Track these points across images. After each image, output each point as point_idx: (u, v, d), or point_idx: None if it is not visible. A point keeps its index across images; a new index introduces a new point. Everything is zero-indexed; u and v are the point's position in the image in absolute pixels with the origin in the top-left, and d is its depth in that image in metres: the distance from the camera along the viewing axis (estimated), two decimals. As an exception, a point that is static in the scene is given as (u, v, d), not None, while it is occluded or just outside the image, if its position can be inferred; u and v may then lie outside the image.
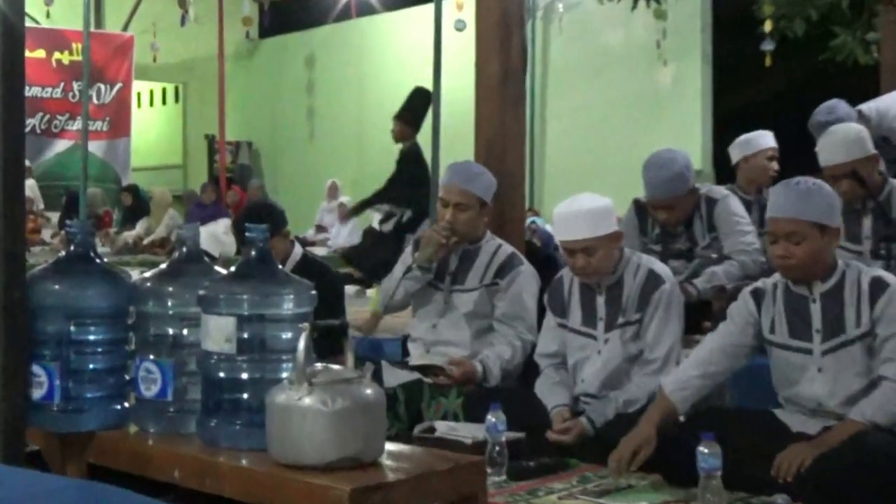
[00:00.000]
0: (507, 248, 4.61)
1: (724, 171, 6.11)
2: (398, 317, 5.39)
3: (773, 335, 3.56)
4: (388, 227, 8.55)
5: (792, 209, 3.41)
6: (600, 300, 4.04)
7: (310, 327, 2.51)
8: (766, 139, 6.03)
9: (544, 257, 6.30)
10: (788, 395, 3.57)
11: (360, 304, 8.33)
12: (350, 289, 9.49)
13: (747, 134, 6.08)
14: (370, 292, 8.52)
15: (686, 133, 13.82)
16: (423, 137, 10.49)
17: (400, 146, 8.74)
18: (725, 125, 9.73)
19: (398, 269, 4.71)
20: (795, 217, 3.38)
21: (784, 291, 3.55)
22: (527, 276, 4.54)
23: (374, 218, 14.65)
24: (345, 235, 14.02)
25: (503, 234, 5.11)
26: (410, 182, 8.45)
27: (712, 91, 14.27)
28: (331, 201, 15.86)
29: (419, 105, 8.83)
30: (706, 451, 3.06)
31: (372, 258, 7.86)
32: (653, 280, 3.95)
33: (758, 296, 3.60)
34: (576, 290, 4.12)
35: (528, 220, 10.66)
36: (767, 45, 13.18)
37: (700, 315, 4.93)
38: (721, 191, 5.21)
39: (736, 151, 6.06)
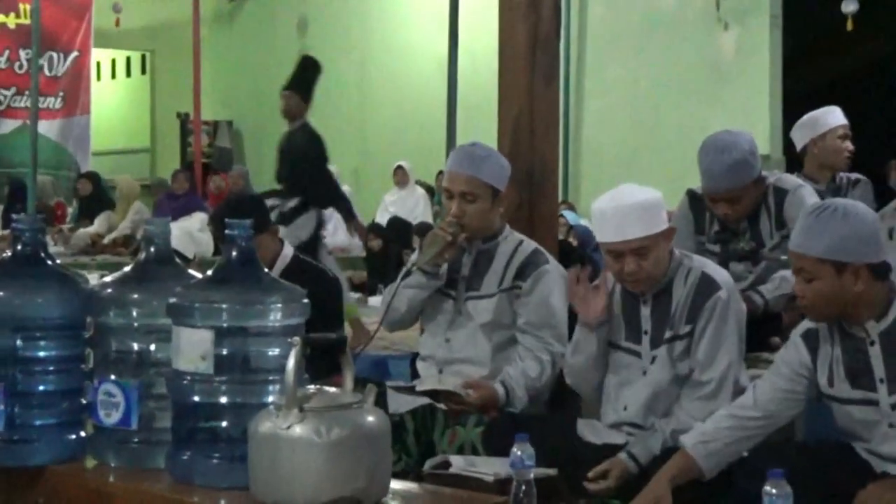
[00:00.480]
0: (530, 245, 4.65)
1: (796, 155, 6.10)
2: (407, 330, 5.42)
3: (832, 389, 3.59)
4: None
5: (800, 242, 3.48)
6: (645, 311, 4.05)
7: (302, 342, 2.53)
8: (834, 116, 6.05)
9: (581, 259, 6.29)
10: (862, 449, 3.60)
11: (362, 316, 8.33)
12: (350, 296, 9.49)
13: (810, 113, 6.09)
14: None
15: (751, 111, 13.79)
16: (437, 115, 10.48)
17: (288, 125, 8.91)
18: (798, 102, 9.69)
19: (400, 276, 4.74)
20: (803, 252, 3.46)
21: (840, 332, 3.57)
22: (553, 276, 4.57)
23: (378, 211, 14.78)
24: (344, 233, 14.20)
25: (533, 232, 5.11)
26: (302, 165, 8.53)
27: (782, 61, 14.24)
28: (327, 193, 15.92)
29: (310, 76, 8.99)
30: (774, 491, 3.03)
31: None
32: (706, 286, 3.95)
33: (811, 340, 3.62)
34: (616, 298, 4.14)
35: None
36: (850, 6, 13.17)
37: (767, 329, 4.93)
38: (793, 180, 5.20)
39: (801, 134, 6.06)
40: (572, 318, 4.35)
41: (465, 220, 4.55)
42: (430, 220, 14.12)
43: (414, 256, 4.80)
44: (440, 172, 14.97)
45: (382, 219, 14.44)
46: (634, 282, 3.96)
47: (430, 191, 15.54)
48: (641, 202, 3.88)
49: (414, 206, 15.02)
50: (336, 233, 14.25)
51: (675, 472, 3.61)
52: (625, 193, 3.94)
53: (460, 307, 4.64)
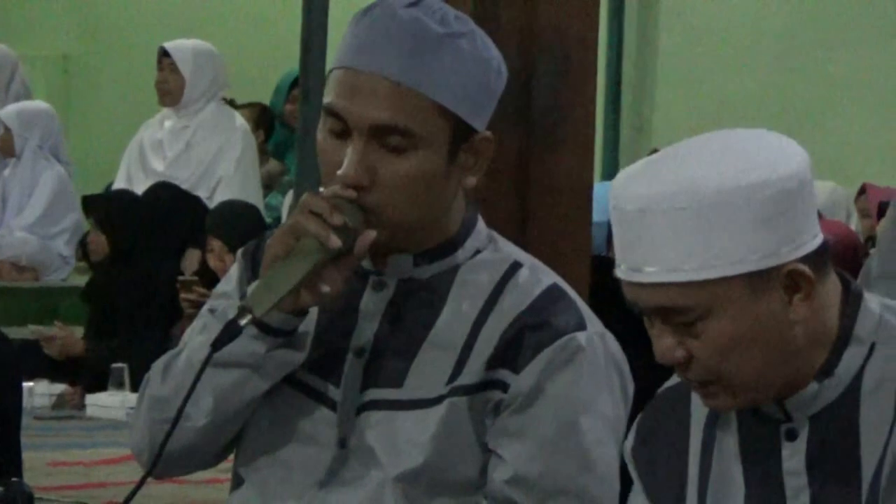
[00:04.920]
0: (539, 275, 2.79)
1: None
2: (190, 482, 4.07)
3: None
4: None
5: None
6: (792, 460, 2.43)
7: None
8: None
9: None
10: None
11: (59, 448, 5.80)
12: (38, 389, 6.59)
13: None
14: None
15: None
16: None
17: None
18: None
19: (196, 335, 2.76)
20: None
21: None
22: (593, 363, 2.76)
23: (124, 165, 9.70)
24: (33, 219, 8.96)
25: (526, 230, 3.70)
26: None
27: None
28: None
29: None
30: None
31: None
32: None
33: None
34: (729, 428, 2.49)
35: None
36: None
37: None
38: None
39: None
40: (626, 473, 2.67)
41: (374, 197, 2.60)
42: (255, 198, 8.40)
43: (226, 286, 2.85)
44: (293, 85, 8.88)
45: (137, 185, 8.45)
46: (696, 390, 2.42)
47: (264, 121, 9.45)
48: (687, 192, 2.29)
49: (214, 159, 8.63)
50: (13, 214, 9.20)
51: None
52: (663, 164, 2.37)
53: (348, 429, 2.74)
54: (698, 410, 2.44)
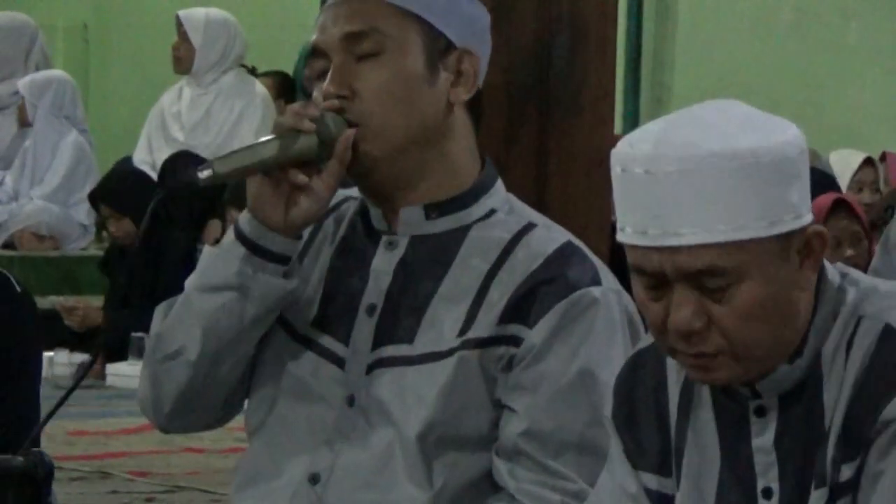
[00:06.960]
0: (553, 234, 2.66)
1: None
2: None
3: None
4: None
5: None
6: (761, 437, 2.30)
7: None
8: None
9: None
10: None
11: (79, 418, 5.58)
12: (58, 359, 6.74)
13: None
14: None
15: None
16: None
17: None
18: None
19: (213, 255, 2.64)
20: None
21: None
22: (608, 319, 2.62)
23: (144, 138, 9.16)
24: (52, 187, 8.56)
25: (545, 196, 3.67)
26: None
27: None
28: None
29: None
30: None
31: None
32: (887, 363, 2.20)
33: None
34: (703, 397, 2.33)
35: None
36: None
37: None
38: None
39: None
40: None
41: (357, 107, 2.53)
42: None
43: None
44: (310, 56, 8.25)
45: (157, 155, 8.25)
46: (697, 363, 2.22)
47: (285, 89, 9.14)
48: (730, 151, 2.17)
49: (234, 125, 8.42)
50: (22, 184, 8.83)
51: None
52: (693, 125, 2.21)
53: (356, 387, 2.58)
54: (674, 373, 2.38)
